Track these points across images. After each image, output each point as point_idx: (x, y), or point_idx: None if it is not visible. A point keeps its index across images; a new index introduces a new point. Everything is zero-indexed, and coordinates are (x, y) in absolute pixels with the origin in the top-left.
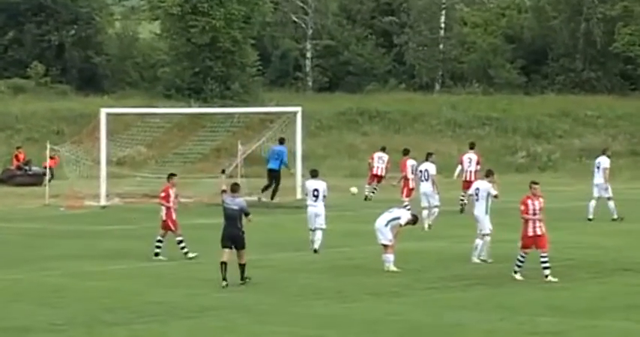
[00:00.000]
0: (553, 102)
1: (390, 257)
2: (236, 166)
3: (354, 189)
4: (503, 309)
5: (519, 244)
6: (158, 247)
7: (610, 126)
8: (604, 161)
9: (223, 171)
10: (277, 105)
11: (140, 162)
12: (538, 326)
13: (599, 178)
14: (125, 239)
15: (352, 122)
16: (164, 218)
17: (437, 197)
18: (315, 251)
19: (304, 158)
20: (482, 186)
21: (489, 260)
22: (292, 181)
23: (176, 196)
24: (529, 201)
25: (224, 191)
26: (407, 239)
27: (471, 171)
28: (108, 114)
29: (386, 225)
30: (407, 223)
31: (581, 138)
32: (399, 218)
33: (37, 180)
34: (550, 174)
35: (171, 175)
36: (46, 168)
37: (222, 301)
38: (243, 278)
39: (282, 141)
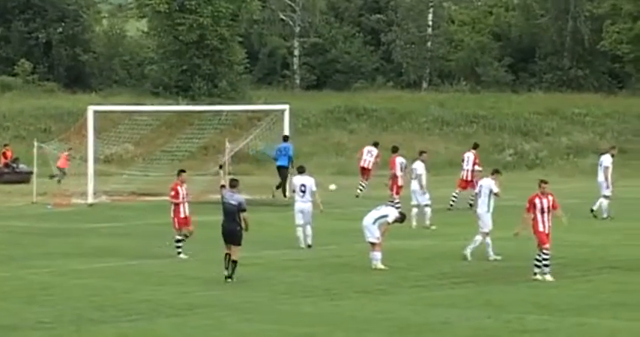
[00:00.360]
0: (541, 100)
1: (377, 255)
2: (224, 164)
3: (332, 187)
4: (490, 307)
5: (536, 243)
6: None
7: (597, 125)
8: (606, 159)
9: (221, 167)
10: (265, 103)
11: (127, 159)
12: (526, 324)
13: (600, 176)
14: (113, 237)
15: (340, 120)
16: (172, 215)
17: (426, 196)
18: (309, 246)
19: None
20: (485, 183)
21: (499, 257)
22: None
23: (187, 194)
24: (537, 200)
25: (223, 186)
26: (394, 237)
27: (467, 170)
28: (95, 112)
29: (374, 222)
30: (395, 221)
31: (569, 136)
32: (386, 216)
33: (24, 177)
34: (538, 171)
35: (180, 172)
36: (60, 168)
37: (210, 299)
38: (231, 275)
39: (286, 139)
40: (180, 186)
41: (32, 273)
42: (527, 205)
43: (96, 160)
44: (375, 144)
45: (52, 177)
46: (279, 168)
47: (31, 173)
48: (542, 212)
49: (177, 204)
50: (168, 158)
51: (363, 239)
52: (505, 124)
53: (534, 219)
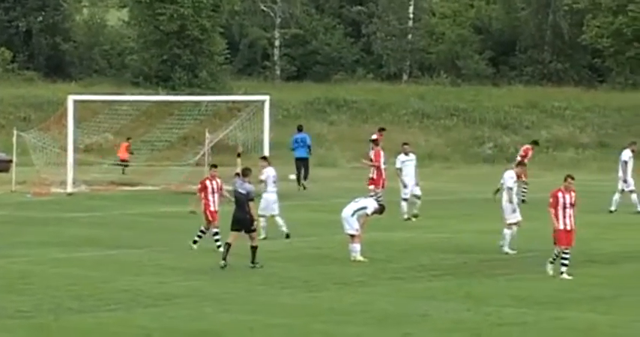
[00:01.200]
0: (521, 93)
1: (356, 246)
2: (203, 154)
3: (291, 176)
4: (470, 300)
5: (553, 239)
6: (216, 240)
7: (577, 118)
8: (625, 154)
9: (239, 155)
10: (245, 93)
11: (107, 149)
12: (504, 317)
13: (620, 171)
14: (92, 226)
15: (320, 111)
16: (203, 209)
17: (406, 189)
18: (288, 236)
19: (272, 147)
20: (506, 175)
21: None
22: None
23: (220, 188)
24: (560, 194)
25: (237, 174)
26: (374, 229)
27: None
28: (75, 102)
29: (352, 214)
30: (373, 213)
31: (549, 130)
32: (365, 208)
33: (3, 166)
34: None
35: (212, 166)
36: (124, 161)
37: (189, 289)
38: (253, 261)
39: (300, 128)
40: (210, 181)
41: (11, 262)
42: (551, 200)
43: (75, 150)
44: (380, 130)
45: (117, 165)
46: (298, 159)
47: (10, 161)
48: (564, 207)
49: (206, 198)
50: (148, 148)
51: (342, 231)
52: (485, 117)
53: (555, 215)
